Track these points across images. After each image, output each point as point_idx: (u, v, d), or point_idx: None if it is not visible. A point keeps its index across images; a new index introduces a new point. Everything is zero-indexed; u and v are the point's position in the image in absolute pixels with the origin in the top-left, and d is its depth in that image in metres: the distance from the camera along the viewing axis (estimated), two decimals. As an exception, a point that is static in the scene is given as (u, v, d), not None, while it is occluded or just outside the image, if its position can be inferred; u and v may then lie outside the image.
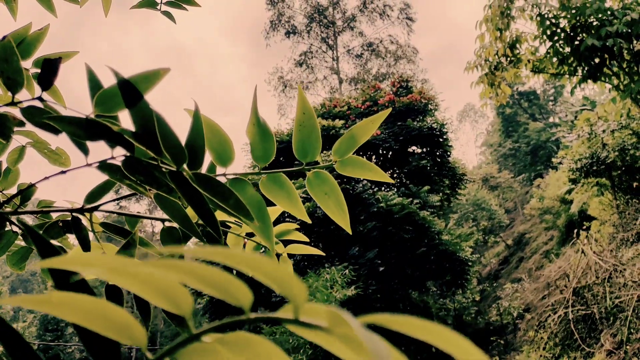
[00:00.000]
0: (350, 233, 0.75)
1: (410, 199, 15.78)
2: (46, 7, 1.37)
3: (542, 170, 37.19)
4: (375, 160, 19.73)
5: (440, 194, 19.66)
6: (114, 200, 0.73)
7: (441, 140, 18.97)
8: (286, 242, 0.97)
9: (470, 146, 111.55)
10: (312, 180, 0.75)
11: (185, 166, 0.59)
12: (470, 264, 16.35)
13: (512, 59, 10.09)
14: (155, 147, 0.54)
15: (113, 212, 0.75)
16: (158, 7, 1.65)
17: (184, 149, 0.57)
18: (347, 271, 12.04)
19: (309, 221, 0.75)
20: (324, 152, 15.64)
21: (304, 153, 0.73)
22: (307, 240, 0.93)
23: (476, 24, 9.83)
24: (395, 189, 18.01)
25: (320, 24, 34.72)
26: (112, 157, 0.59)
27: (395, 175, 19.54)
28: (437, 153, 19.51)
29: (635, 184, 12.56)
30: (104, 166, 0.61)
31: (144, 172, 0.58)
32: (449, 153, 19.67)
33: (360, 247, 14.49)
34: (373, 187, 17.35)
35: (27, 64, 1.08)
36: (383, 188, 18.36)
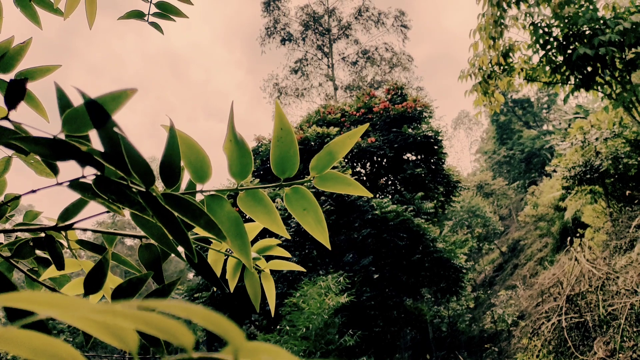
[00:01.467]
0: (330, 248, 0.75)
1: (405, 206, 15.79)
2: (31, 19, 1.37)
3: (537, 178, 37.34)
4: (370, 168, 19.75)
5: (435, 201, 19.69)
6: (90, 217, 0.72)
7: (436, 147, 19.02)
8: (269, 258, 0.96)
9: (464, 153, 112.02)
10: (291, 196, 0.75)
11: (155, 186, 0.58)
12: (464, 271, 16.36)
13: (506, 67, 10.14)
14: (124, 168, 0.54)
15: (88, 230, 0.74)
16: (145, 18, 1.65)
17: (151, 171, 0.57)
18: (341, 278, 12.01)
19: (289, 237, 0.74)
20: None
21: (281, 169, 0.73)
22: (289, 255, 0.92)
23: (470, 33, 9.87)
24: (390, 196, 18.03)
25: (316, 31, 34.85)
26: (83, 176, 0.59)
27: (390, 182, 19.57)
28: (432, 160, 19.55)
29: (628, 192, 12.61)
30: (74, 185, 0.60)
31: (116, 191, 0.57)
32: (443, 160, 19.72)
33: (355, 254, 14.48)
34: (368, 194, 17.37)
35: (10, 77, 1.07)
36: (378, 195, 18.38)
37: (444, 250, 15.80)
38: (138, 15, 1.66)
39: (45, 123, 1.07)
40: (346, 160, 17.73)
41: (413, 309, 18.99)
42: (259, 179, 17.61)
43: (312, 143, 18.04)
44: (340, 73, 44.22)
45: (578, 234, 16.01)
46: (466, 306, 24.69)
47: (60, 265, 0.71)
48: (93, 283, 0.69)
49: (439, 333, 25.99)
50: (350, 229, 14.86)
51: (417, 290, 16.42)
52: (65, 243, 0.75)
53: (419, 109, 19.14)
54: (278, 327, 12.14)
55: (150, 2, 1.62)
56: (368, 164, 19.64)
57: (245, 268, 0.91)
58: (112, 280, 0.83)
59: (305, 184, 0.74)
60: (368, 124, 0.78)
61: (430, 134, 18.41)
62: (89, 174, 0.59)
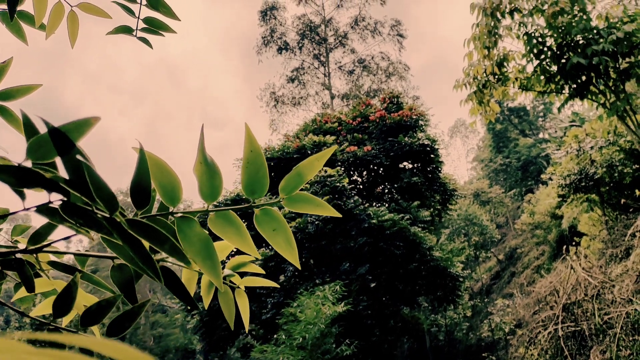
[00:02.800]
0: (300, 268, 0.76)
1: (402, 214, 15.80)
2: (17, 35, 1.38)
3: (533, 186, 37.43)
4: (366, 176, 19.77)
5: (431, 209, 19.71)
6: (62, 239, 0.73)
7: (432, 156, 19.05)
8: (244, 274, 0.97)
9: (461, 161, 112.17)
10: (260, 217, 0.76)
11: (122, 209, 0.60)
12: (461, 279, 16.35)
13: (500, 77, 10.20)
14: (88, 195, 0.55)
15: (58, 252, 0.75)
16: (134, 34, 1.67)
17: (114, 197, 0.58)
18: (337, 287, 12.00)
19: (259, 257, 0.75)
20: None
21: (251, 190, 0.74)
22: (263, 272, 0.93)
23: (464, 42, 9.93)
24: (387, 205, 18.03)
25: (312, 40, 34.99)
26: (50, 202, 0.60)
27: (386, 190, 19.58)
28: (428, 169, 19.57)
29: (623, 201, 12.65)
30: (42, 210, 0.61)
31: (83, 215, 0.58)
32: (439, 169, 19.75)
33: (352, 263, 14.46)
34: (364, 202, 17.37)
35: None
36: (374, 204, 18.38)
37: (441, 259, 15.80)
38: (126, 30, 1.67)
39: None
40: (343, 168, 17.75)
41: (410, 317, 18.96)
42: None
43: (309, 152, 18.06)
44: (337, 82, 44.41)
45: (574, 242, 16.05)
46: (463, 315, 24.66)
47: (30, 288, 0.72)
48: (61, 306, 0.70)
49: (437, 342, 25.93)
50: (347, 237, 14.84)
51: (414, 299, 16.40)
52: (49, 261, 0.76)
53: (414, 117, 19.20)
54: (275, 336, 12.10)
55: (139, 17, 1.64)
56: (365, 173, 19.66)
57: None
58: (86, 299, 0.84)
59: (274, 206, 0.75)
60: (336, 146, 0.80)
61: (426, 143, 18.45)
62: (56, 199, 0.60)
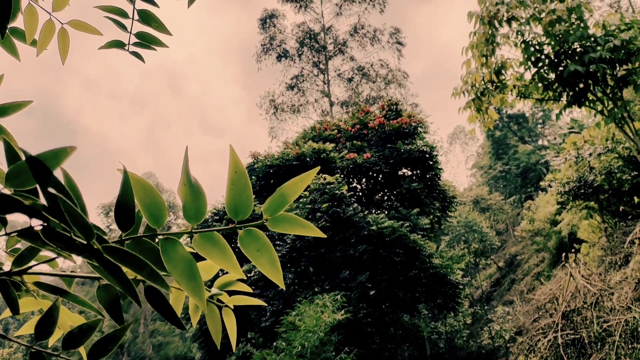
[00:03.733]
0: (284, 289, 0.76)
1: (401, 221, 15.78)
2: (10, 52, 1.39)
3: (533, 192, 37.44)
4: (366, 183, 19.77)
5: (431, 216, 19.69)
6: (45, 262, 0.73)
7: (431, 163, 19.06)
8: (232, 292, 0.97)
9: (461, 168, 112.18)
10: (244, 238, 0.76)
11: (102, 232, 0.60)
12: (461, 287, 16.31)
13: (498, 84, 10.22)
14: (65, 222, 0.56)
15: (44, 274, 0.76)
16: (126, 48, 1.67)
17: (89, 226, 0.58)
18: (338, 297, 11.97)
19: (244, 277, 0.75)
20: (319, 175, 15.67)
21: (235, 212, 0.75)
22: (250, 290, 0.94)
23: (462, 50, 9.96)
24: (386, 212, 18.02)
25: (312, 48, 35.12)
26: (31, 227, 0.60)
27: (386, 197, 19.57)
28: (428, 176, 19.58)
29: (621, 208, 12.64)
30: (23, 234, 0.62)
31: (63, 240, 0.59)
32: (439, 176, 19.75)
33: (351, 271, 14.42)
34: (364, 210, 17.36)
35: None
36: (374, 211, 18.36)
37: (441, 266, 15.76)
38: (118, 45, 1.68)
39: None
40: (342, 176, 17.75)
41: (410, 325, 18.90)
42: (254, 196, 17.59)
43: (308, 159, 18.08)
44: (336, 89, 44.54)
45: (574, 249, 16.03)
46: (464, 322, 24.59)
47: (15, 310, 0.72)
48: (43, 329, 0.70)
49: (437, 349, 25.83)
50: (347, 245, 14.81)
51: (414, 307, 16.35)
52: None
53: (413, 124, 19.23)
54: (274, 344, 12.05)
55: (131, 32, 1.64)
56: (364, 180, 19.67)
57: (207, 304, 0.92)
58: (72, 319, 0.84)
59: (258, 227, 0.75)
60: (319, 167, 0.80)
61: (425, 150, 18.47)
62: (38, 223, 0.60)
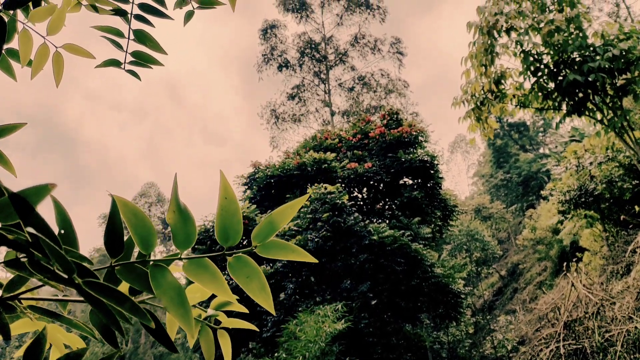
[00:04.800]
0: (274, 314, 0.77)
1: (402, 231, 15.75)
2: (7, 72, 1.40)
3: (534, 201, 37.40)
4: (367, 193, 19.76)
5: (432, 225, 19.66)
6: (32, 289, 0.74)
7: (432, 172, 19.05)
8: (229, 313, 0.98)
9: (462, 177, 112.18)
10: (234, 264, 0.77)
11: (89, 261, 0.61)
12: (463, 296, 16.26)
13: (498, 94, 10.24)
14: (47, 257, 0.56)
15: (35, 299, 0.76)
16: (122, 67, 1.69)
17: (69, 262, 0.59)
18: (339, 306, 11.94)
19: (234, 300, 0.75)
20: (316, 184, 15.68)
21: (225, 238, 0.75)
22: (247, 311, 0.94)
23: (461, 60, 10.00)
24: (387, 221, 18.00)
25: (313, 58, 35.28)
26: (18, 258, 0.61)
27: (387, 207, 19.55)
28: (429, 185, 19.56)
29: (622, 217, 12.62)
30: (11, 264, 0.62)
31: (48, 271, 0.59)
32: (440, 185, 19.74)
33: (353, 280, 14.39)
34: (365, 219, 17.34)
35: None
36: (375, 220, 18.34)
37: (442, 275, 15.72)
38: (115, 63, 1.70)
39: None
40: (343, 185, 17.75)
41: (412, 335, 18.82)
42: (255, 205, 17.61)
43: (309, 169, 18.09)
44: (337, 99, 44.75)
45: (576, 258, 15.99)
46: (466, 331, 24.47)
47: (6, 335, 0.72)
48: (31, 357, 0.70)
49: (439, 359, 25.70)
50: (348, 254, 14.78)
51: (416, 316, 16.30)
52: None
53: (414, 134, 19.25)
54: (275, 355, 12.01)
55: (126, 51, 1.66)
56: (365, 189, 19.66)
57: (202, 326, 0.93)
58: (68, 339, 0.85)
59: (247, 253, 0.76)
60: (308, 195, 0.81)
61: (426, 159, 18.48)
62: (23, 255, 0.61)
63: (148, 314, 0.79)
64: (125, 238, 0.76)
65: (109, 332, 0.80)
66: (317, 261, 0.79)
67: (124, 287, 0.82)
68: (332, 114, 34.34)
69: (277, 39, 35.31)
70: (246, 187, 19.96)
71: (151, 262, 0.72)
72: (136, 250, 0.82)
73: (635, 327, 7.79)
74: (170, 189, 0.75)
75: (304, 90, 35.40)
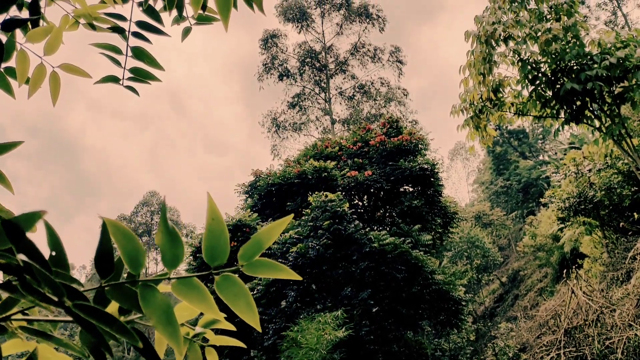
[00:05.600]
0: (260, 331, 0.79)
1: (403, 238, 15.76)
2: (5, 90, 1.44)
3: (534, 208, 37.39)
4: (367, 200, 19.79)
5: (433, 232, 19.66)
6: (21, 311, 0.76)
7: (432, 179, 19.08)
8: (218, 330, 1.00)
9: (462, 184, 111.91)
10: (221, 283, 0.79)
11: (80, 283, 0.63)
12: (463, 303, 16.23)
13: (496, 102, 10.29)
14: (38, 281, 0.59)
15: (26, 319, 0.78)
16: (121, 83, 1.73)
17: (59, 286, 0.62)
18: (338, 313, 11.93)
19: (222, 318, 0.78)
20: (316, 192, 15.70)
21: (213, 257, 0.78)
22: (234, 329, 0.96)
23: (460, 69, 10.04)
24: (388, 228, 18.00)
25: (313, 67, 35.45)
26: (10, 280, 0.64)
27: (387, 214, 19.57)
28: (429, 192, 19.58)
29: (622, 224, 12.62)
30: (3, 286, 0.65)
31: (39, 294, 0.62)
32: (440, 192, 19.77)
33: (353, 288, 14.38)
34: (365, 227, 17.34)
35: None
36: (376, 228, 18.34)
37: (443, 282, 15.71)
38: (113, 79, 1.73)
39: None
40: (344, 193, 17.77)
41: (413, 342, 18.77)
42: (257, 214, 17.64)
43: (310, 177, 18.13)
44: (337, 107, 44.96)
45: (577, 264, 15.98)
46: (467, 339, 24.41)
47: (-1, 355, 0.75)
48: (25, 377, 0.73)
49: (441, 366, 25.60)
50: (348, 262, 14.79)
51: (417, 323, 16.27)
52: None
53: (414, 141, 19.30)
54: (276, 363, 12.00)
55: (124, 68, 1.70)
56: (365, 197, 19.69)
57: (190, 343, 0.95)
58: (59, 359, 0.87)
59: (234, 272, 0.79)
60: (292, 215, 0.84)
61: (426, 167, 18.51)
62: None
63: (136, 333, 0.82)
64: (117, 258, 0.79)
65: (98, 351, 0.83)
66: (301, 278, 0.82)
67: (114, 305, 0.85)
68: (333, 122, 34.45)
69: (277, 48, 35.50)
70: (247, 195, 20.01)
71: (140, 282, 0.75)
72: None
73: (636, 335, 7.79)
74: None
75: (305, 99, 35.55)
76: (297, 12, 35.29)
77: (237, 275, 0.79)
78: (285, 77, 35.31)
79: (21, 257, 0.57)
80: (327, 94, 35.30)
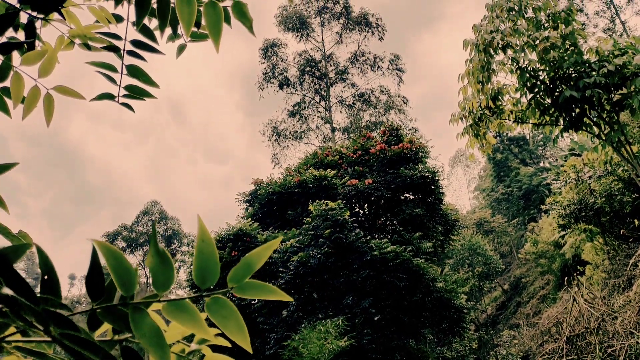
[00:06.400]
0: (251, 352, 0.80)
1: (404, 246, 15.74)
2: (1, 109, 1.45)
3: (536, 214, 37.34)
4: (368, 209, 19.78)
5: (434, 240, 19.64)
6: (16, 332, 0.77)
7: (433, 187, 19.08)
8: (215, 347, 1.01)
9: (463, 191, 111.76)
10: (211, 305, 0.80)
11: (68, 307, 0.64)
12: (465, 311, 16.19)
13: (495, 110, 10.31)
14: (25, 311, 0.60)
15: (20, 340, 0.79)
16: (116, 100, 1.74)
17: (44, 317, 0.63)
18: (340, 321, 11.90)
19: (214, 340, 0.79)
20: (317, 200, 15.71)
21: (203, 280, 0.79)
22: (229, 345, 0.97)
23: (458, 77, 10.08)
24: (389, 236, 17.98)
25: (313, 75, 35.58)
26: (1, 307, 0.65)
27: (388, 222, 19.56)
28: (430, 200, 19.58)
29: (622, 231, 12.61)
30: (-5, 313, 0.66)
31: (28, 321, 0.63)
32: (441, 200, 19.76)
33: (355, 296, 14.35)
34: (366, 235, 17.33)
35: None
36: (377, 236, 18.32)
37: (444, 290, 15.68)
38: (109, 97, 1.75)
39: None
40: (344, 202, 17.77)
41: (416, 350, 18.69)
42: (257, 223, 17.63)
43: (310, 185, 18.15)
44: (338, 115, 45.02)
45: (579, 271, 15.94)
46: (470, 347, 24.30)
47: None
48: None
49: (444, 375, 25.47)
50: (350, 270, 14.77)
51: (419, 332, 16.21)
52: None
53: (414, 149, 19.33)
54: (278, 372, 11.96)
55: (120, 85, 1.71)
56: (366, 205, 19.69)
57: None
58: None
59: (224, 294, 0.80)
60: (281, 237, 0.85)
61: (426, 174, 18.52)
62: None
63: (129, 351, 0.83)
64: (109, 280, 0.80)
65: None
66: (292, 299, 0.83)
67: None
68: (333, 130, 34.53)
69: (277, 57, 35.65)
70: (248, 204, 20.02)
71: (131, 305, 0.76)
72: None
73: (637, 342, 7.76)
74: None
75: (305, 107, 35.66)
76: (296, 21, 35.47)
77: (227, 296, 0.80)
78: (285, 86, 35.44)
79: (7, 290, 0.59)
80: (327, 102, 35.40)
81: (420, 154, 19.61)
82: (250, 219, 18.34)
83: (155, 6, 1.29)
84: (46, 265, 0.72)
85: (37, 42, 1.47)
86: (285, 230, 17.40)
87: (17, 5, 1.26)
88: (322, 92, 35.77)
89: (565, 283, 11.47)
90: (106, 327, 0.87)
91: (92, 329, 0.79)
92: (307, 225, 15.34)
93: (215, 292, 0.80)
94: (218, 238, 17.62)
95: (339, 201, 15.77)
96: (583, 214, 13.36)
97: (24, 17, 1.34)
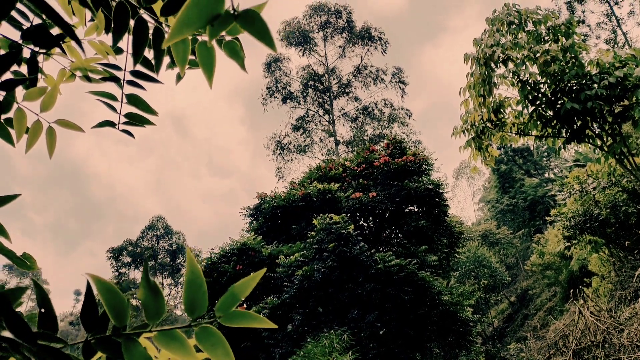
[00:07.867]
0: (239, 378, 0.84)
1: (409, 259, 15.71)
2: (5, 139, 1.51)
3: (541, 225, 37.19)
4: (372, 222, 19.77)
5: (439, 252, 19.59)
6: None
7: (437, 199, 19.07)
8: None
9: (467, 203, 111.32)
10: (200, 334, 0.85)
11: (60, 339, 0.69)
12: (472, 324, 16.09)
13: (497, 122, 10.35)
14: (24, 347, 0.65)
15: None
16: (117, 127, 1.80)
17: (41, 354, 0.67)
18: (345, 336, 11.86)
19: (203, 367, 0.83)
20: (321, 214, 15.73)
21: (192, 309, 0.83)
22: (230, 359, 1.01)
23: (460, 90, 10.14)
24: (394, 250, 17.95)
25: (317, 89, 35.79)
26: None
27: (392, 235, 19.54)
28: (434, 212, 19.55)
29: (627, 243, 12.56)
30: (-5, 347, 0.70)
31: (26, 357, 0.68)
32: (446, 212, 19.73)
33: (360, 310, 14.31)
34: (371, 248, 17.31)
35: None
36: (381, 249, 18.29)
37: (450, 303, 15.61)
38: (109, 124, 1.81)
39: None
40: (348, 215, 17.78)
41: (422, 364, 18.58)
42: (261, 237, 17.66)
43: (314, 199, 18.18)
44: (341, 128, 45.28)
45: (585, 282, 15.85)
46: (477, 360, 24.12)
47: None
48: None
49: (451, 389, 25.26)
50: (354, 284, 14.74)
51: (426, 345, 16.12)
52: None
53: (418, 162, 19.35)
54: (283, 388, 11.92)
55: (120, 113, 1.77)
56: (370, 218, 19.68)
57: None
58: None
59: (212, 324, 0.84)
60: (265, 269, 0.89)
61: (431, 187, 18.51)
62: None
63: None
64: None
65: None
66: (276, 326, 0.87)
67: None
68: (337, 143, 34.63)
69: (281, 71, 35.92)
70: (252, 218, 20.07)
71: (123, 335, 0.80)
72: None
73: (643, 355, 7.71)
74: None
75: (309, 121, 35.83)
76: (299, 36, 35.77)
77: (215, 325, 0.85)
78: (289, 100, 35.66)
79: (7, 333, 0.63)
80: (330, 115, 35.57)
81: (424, 166, 19.62)
82: (254, 232, 18.39)
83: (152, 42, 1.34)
84: (43, 299, 0.76)
85: (39, 75, 1.53)
86: (289, 244, 17.42)
87: (20, 42, 1.31)
88: (326, 106, 35.97)
89: (571, 295, 11.42)
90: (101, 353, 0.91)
91: (87, 358, 0.83)
92: (311, 239, 15.35)
93: (203, 322, 0.84)
94: (222, 253, 17.64)
95: (343, 214, 15.79)
96: (588, 225, 13.33)
97: (26, 52, 1.40)
